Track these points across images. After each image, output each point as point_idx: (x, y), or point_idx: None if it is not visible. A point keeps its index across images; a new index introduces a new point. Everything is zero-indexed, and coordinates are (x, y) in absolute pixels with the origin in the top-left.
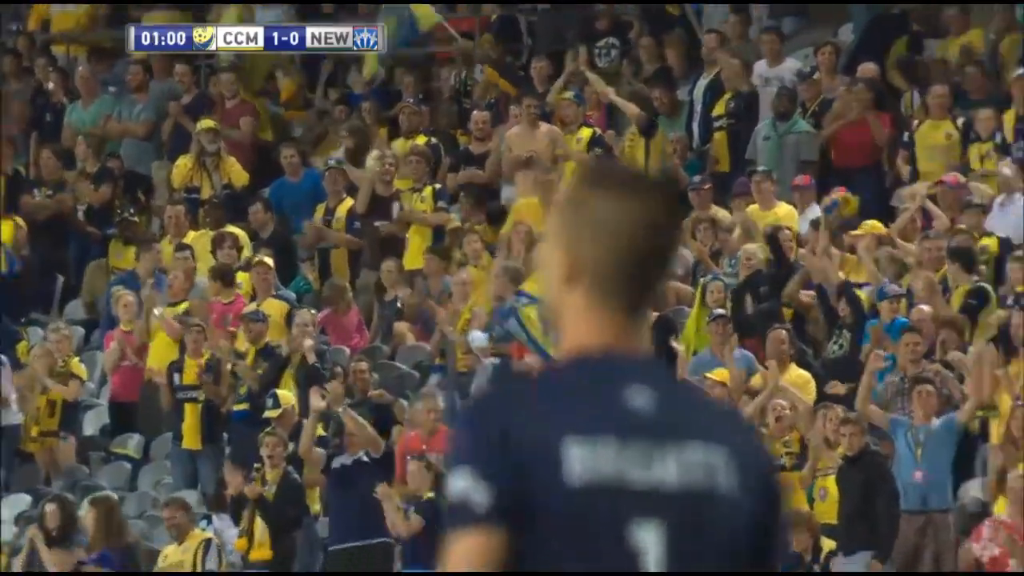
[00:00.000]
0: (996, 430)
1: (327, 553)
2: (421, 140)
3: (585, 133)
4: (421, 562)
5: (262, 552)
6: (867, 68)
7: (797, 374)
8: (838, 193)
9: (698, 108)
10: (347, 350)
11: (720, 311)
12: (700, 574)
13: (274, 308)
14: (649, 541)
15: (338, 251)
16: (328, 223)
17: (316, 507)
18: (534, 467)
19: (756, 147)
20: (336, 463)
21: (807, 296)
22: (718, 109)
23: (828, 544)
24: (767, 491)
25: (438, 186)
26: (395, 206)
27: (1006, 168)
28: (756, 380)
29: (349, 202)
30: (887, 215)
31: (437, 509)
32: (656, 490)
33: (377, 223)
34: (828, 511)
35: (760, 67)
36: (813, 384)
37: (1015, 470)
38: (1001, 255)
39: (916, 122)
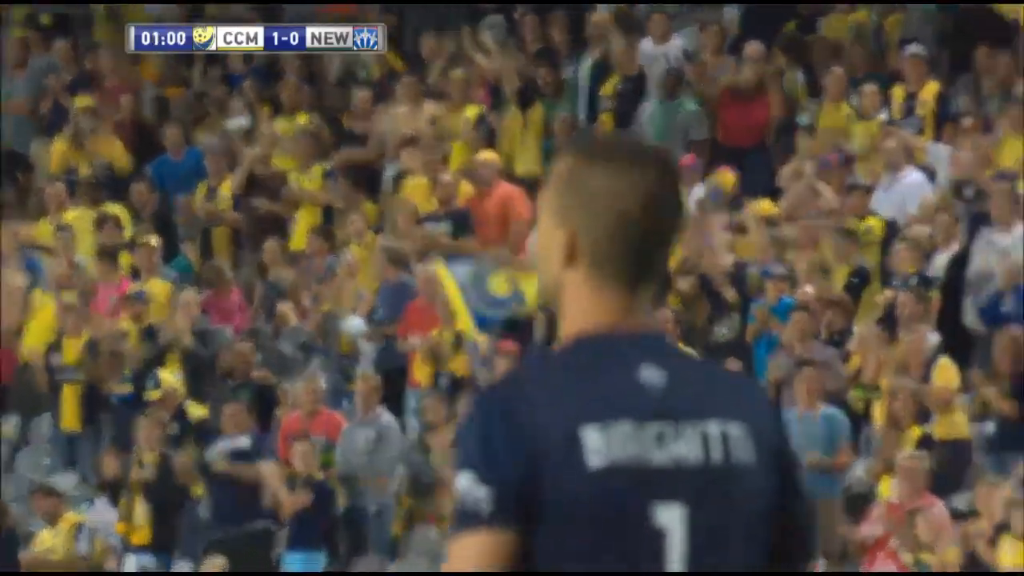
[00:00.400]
0: (880, 411)
1: (208, 541)
2: (303, 119)
3: (471, 111)
4: (305, 544)
5: (142, 535)
6: (753, 48)
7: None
8: (717, 176)
9: (583, 87)
10: (229, 331)
11: None
12: None
13: (158, 288)
14: (672, 521)
15: (220, 230)
16: (210, 202)
17: (200, 490)
18: (551, 456)
19: (642, 126)
20: (212, 453)
21: (687, 284)
22: (605, 90)
23: None
24: (784, 465)
25: (327, 166)
26: (283, 185)
27: (892, 141)
28: None
29: (232, 181)
30: (775, 195)
31: (325, 489)
32: (676, 469)
33: (257, 202)
34: None
35: (646, 45)
36: None
37: (901, 450)
38: (887, 236)
39: (813, 103)
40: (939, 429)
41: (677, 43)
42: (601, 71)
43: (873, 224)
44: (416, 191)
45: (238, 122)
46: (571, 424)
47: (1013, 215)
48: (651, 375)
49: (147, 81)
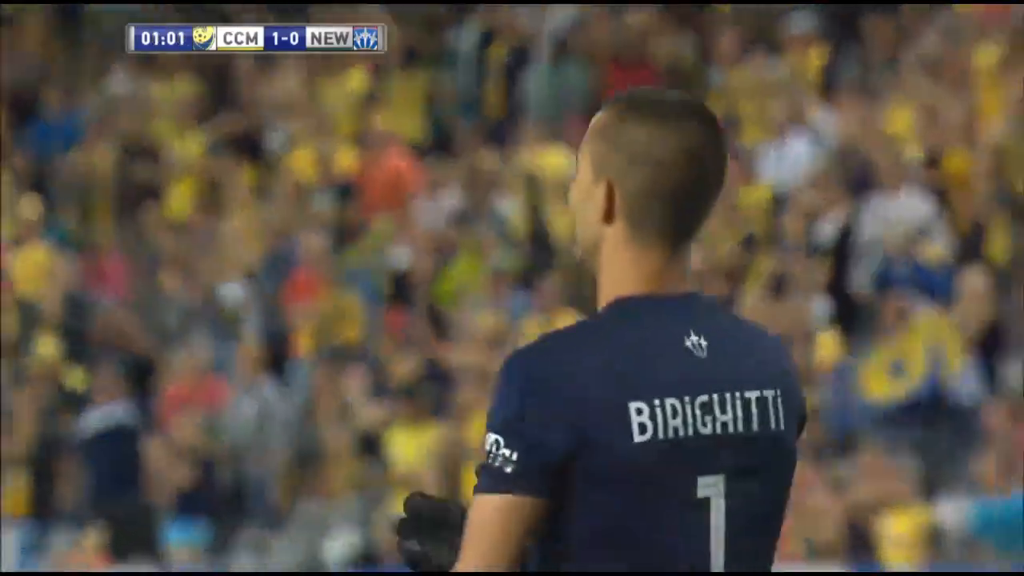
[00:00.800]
0: None
1: (88, 514)
2: (184, 85)
3: (355, 78)
4: (187, 516)
5: (20, 508)
6: (640, 13)
7: (571, 320)
8: None
9: (468, 53)
10: (108, 299)
11: (500, 261)
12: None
13: (36, 255)
14: (715, 492)
15: (99, 196)
16: (89, 167)
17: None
18: (595, 427)
19: (529, 92)
20: (88, 429)
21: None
22: (491, 56)
23: None
24: (801, 426)
25: (208, 132)
26: (163, 151)
27: (779, 107)
28: (528, 326)
29: (112, 146)
30: None
31: (208, 461)
32: (719, 441)
33: (136, 168)
34: None
35: (532, 11)
36: None
37: None
38: (775, 203)
39: (710, 68)
40: (821, 396)
41: (564, 9)
42: (487, 37)
43: (760, 190)
44: (300, 159)
45: (118, 86)
46: (617, 397)
47: (900, 182)
48: (696, 343)
49: (25, 44)
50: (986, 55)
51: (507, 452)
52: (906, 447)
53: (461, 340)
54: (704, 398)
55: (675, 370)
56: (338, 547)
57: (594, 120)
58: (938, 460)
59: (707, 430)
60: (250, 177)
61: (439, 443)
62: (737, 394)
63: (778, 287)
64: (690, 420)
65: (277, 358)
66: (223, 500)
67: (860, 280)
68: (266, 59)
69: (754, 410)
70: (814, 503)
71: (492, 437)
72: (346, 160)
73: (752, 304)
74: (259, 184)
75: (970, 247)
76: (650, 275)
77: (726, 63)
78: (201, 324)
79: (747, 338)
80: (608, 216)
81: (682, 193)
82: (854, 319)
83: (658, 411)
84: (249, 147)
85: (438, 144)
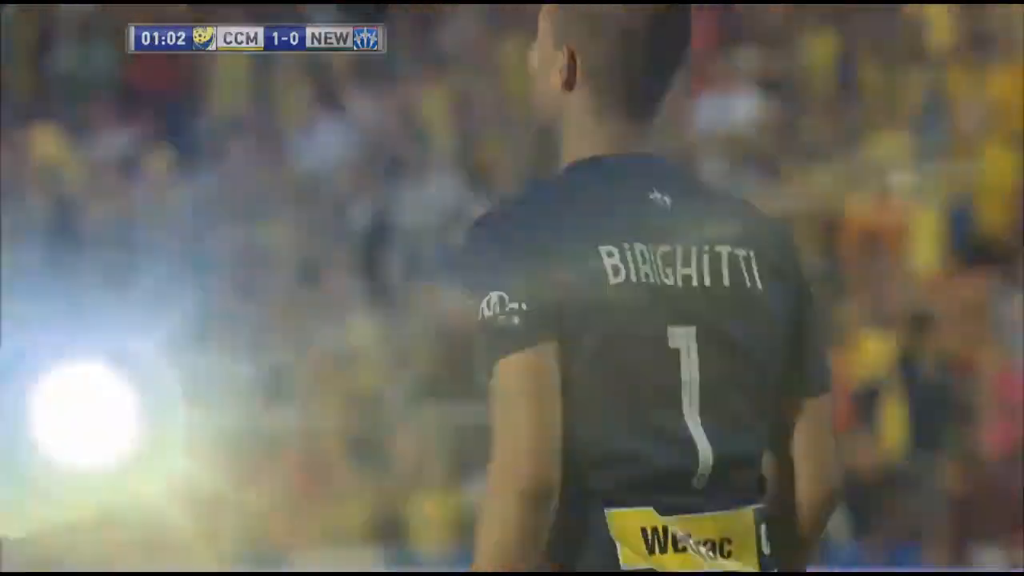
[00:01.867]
0: (304, 363)
1: None
2: None
3: None
4: None
5: None
6: None
7: None
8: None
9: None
10: None
11: (24, 255)
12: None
13: None
14: (685, 343)
15: None
16: None
17: None
18: (571, 272)
19: (56, 70)
20: None
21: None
22: (18, 33)
23: None
24: (796, 293)
25: None
26: None
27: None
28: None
29: None
30: (190, 144)
31: None
32: (686, 292)
33: None
34: None
35: None
36: None
37: (325, 405)
38: (310, 187)
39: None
40: (361, 381)
41: None
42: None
43: (291, 175)
44: None
45: None
46: (588, 243)
47: (430, 168)
48: (659, 197)
49: None
50: (517, 44)
51: (515, 305)
52: None
53: None
54: (666, 248)
55: (640, 218)
56: None
57: None
58: None
59: (670, 280)
60: None
61: None
62: (705, 247)
63: (310, 272)
64: (657, 268)
65: None
66: None
67: (393, 265)
68: None
69: (724, 265)
70: None
71: (494, 296)
72: None
73: (283, 288)
74: None
75: None
76: (612, 139)
77: None
78: None
79: (717, 200)
80: (569, 83)
81: (645, 61)
82: (389, 302)
83: (628, 254)
84: None
85: None
